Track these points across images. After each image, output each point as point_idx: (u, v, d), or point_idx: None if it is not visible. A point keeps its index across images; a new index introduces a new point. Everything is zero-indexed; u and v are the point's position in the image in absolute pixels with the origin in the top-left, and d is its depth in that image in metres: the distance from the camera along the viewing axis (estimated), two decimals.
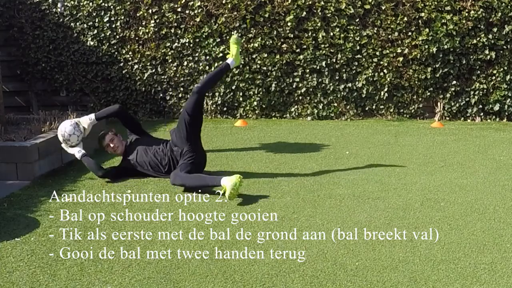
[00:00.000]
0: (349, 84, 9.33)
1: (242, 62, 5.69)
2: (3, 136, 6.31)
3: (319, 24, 9.10)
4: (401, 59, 9.14)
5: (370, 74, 9.25)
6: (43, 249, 4.21)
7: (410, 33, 9.08)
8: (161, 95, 9.67)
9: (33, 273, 3.83)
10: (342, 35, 9.13)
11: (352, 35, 9.12)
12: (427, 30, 9.00)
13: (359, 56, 9.22)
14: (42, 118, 7.03)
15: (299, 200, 5.30)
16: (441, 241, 4.34)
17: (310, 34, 9.18)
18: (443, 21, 8.96)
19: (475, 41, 8.96)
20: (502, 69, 9.05)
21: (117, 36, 9.51)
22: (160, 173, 6.05)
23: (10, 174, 5.94)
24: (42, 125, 6.69)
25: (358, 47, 9.19)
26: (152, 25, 9.34)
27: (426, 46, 9.02)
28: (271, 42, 9.25)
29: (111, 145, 6.23)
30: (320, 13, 9.07)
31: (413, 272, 3.84)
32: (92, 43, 9.54)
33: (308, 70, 9.31)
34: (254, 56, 9.30)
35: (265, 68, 9.30)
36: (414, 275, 3.79)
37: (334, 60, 9.23)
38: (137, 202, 5.28)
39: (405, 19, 9.01)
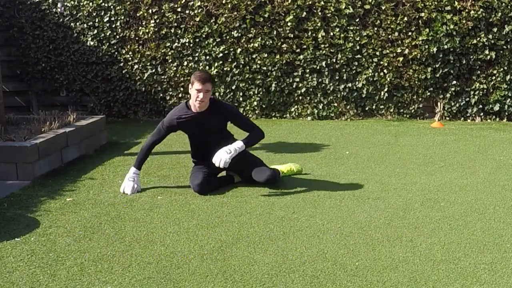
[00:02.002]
0: (349, 84, 9.39)
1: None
2: (3, 136, 6.37)
3: (319, 24, 9.16)
4: (401, 59, 9.20)
5: (370, 74, 9.31)
6: (43, 249, 4.19)
7: (410, 33, 9.12)
8: (161, 95, 9.76)
9: (33, 273, 3.81)
10: (342, 35, 9.19)
11: (352, 35, 9.18)
12: (427, 30, 9.05)
13: (359, 56, 9.27)
14: (42, 118, 7.09)
15: (299, 200, 5.30)
16: (441, 241, 4.34)
17: (310, 34, 9.24)
18: (443, 21, 9.00)
19: (475, 41, 9.02)
20: (502, 69, 9.11)
21: (117, 36, 9.60)
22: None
23: (10, 174, 5.97)
24: (42, 125, 6.74)
25: (358, 47, 9.23)
26: (152, 25, 9.43)
27: (426, 46, 9.08)
28: (271, 42, 9.31)
29: (201, 95, 5.47)
30: (320, 13, 9.13)
31: (413, 272, 3.83)
32: (92, 43, 9.62)
33: (308, 70, 9.36)
34: (254, 56, 9.36)
35: (265, 68, 9.36)
36: (414, 275, 3.78)
37: (334, 60, 9.29)
38: (137, 202, 5.26)
39: (405, 19, 9.06)
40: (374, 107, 9.51)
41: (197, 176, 5.62)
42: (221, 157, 5.45)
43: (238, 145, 5.53)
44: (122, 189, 5.58)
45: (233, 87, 9.51)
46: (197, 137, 5.77)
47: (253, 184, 5.84)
